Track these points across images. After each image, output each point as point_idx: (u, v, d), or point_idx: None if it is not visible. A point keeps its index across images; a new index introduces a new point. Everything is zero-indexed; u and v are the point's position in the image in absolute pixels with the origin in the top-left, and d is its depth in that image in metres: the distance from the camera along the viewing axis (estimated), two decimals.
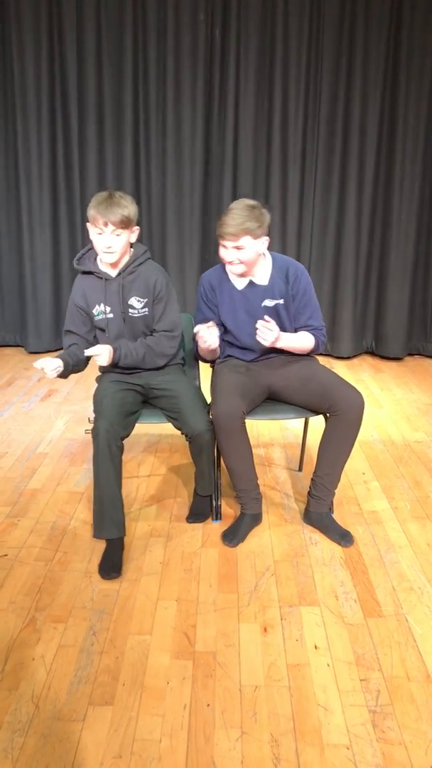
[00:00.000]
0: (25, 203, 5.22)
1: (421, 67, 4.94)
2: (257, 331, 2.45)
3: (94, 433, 2.36)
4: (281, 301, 2.63)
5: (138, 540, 2.58)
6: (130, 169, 5.23)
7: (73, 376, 4.84)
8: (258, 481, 2.64)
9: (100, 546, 2.52)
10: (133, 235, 2.51)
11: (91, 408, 3.95)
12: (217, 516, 2.75)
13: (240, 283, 2.64)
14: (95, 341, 2.67)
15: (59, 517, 2.75)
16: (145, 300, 2.58)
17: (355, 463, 3.33)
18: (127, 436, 2.46)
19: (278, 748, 1.63)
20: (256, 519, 2.67)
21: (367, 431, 3.79)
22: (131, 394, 2.59)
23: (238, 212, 2.45)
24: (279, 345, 2.54)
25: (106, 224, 2.40)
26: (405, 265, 5.31)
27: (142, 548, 2.52)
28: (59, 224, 5.39)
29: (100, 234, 2.43)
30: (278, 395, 2.70)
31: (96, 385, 2.71)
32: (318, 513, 2.66)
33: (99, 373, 2.79)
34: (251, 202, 2.51)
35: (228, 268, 2.59)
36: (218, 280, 2.67)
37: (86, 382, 4.71)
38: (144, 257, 2.60)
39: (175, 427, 2.58)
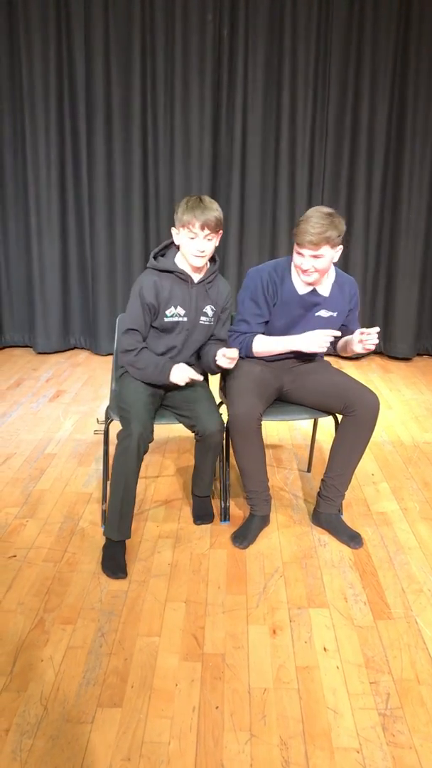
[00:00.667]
0: (33, 204, 5.23)
1: (430, 66, 4.91)
2: (363, 343, 2.45)
3: (125, 434, 2.30)
4: (334, 314, 2.63)
5: (147, 541, 2.58)
6: (139, 170, 5.23)
7: (80, 377, 4.85)
8: (269, 483, 2.63)
9: None
10: (218, 240, 2.49)
11: (100, 408, 3.95)
12: (226, 517, 2.74)
13: (302, 288, 2.59)
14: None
15: (68, 517, 2.75)
16: (216, 310, 2.58)
17: (364, 464, 3.32)
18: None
19: (287, 751, 1.62)
20: (265, 521, 2.66)
21: (376, 432, 3.78)
22: (157, 399, 2.58)
23: (318, 220, 2.38)
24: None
25: (202, 228, 2.36)
26: (414, 265, 5.29)
27: (150, 550, 2.52)
28: (67, 225, 5.40)
29: (193, 238, 2.39)
30: (289, 396, 2.69)
31: (114, 384, 2.69)
32: (327, 514, 2.65)
33: (120, 371, 2.70)
34: (328, 209, 2.43)
35: (301, 276, 2.52)
36: (281, 277, 2.60)
37: (94, 383, 4.72)
38: (218, 268, 2.61)
39: (185, 425, 2.57)
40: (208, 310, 2.56)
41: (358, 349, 2.49)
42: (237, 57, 4.98)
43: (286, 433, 3.75)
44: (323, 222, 2.37)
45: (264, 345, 2.60)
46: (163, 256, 2.57)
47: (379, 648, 1.99)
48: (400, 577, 2.35)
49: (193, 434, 2.59)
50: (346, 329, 2.74)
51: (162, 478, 3.14)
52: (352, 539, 2.56)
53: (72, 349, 5.71)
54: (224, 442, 2.73)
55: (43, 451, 3.45)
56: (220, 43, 5.00)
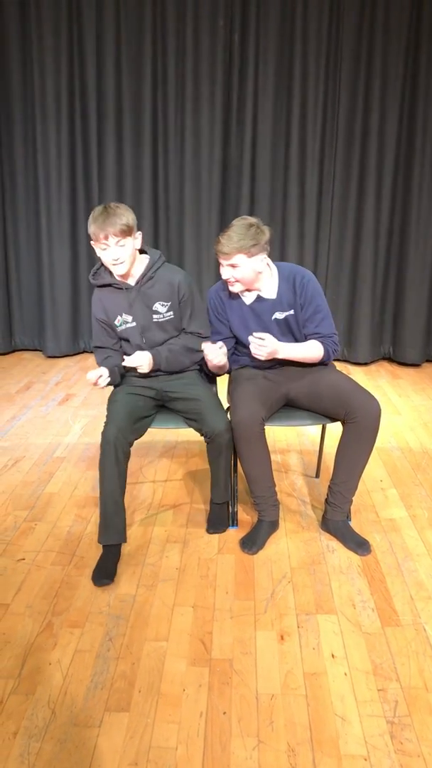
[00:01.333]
0: (43, 209, 5.25)
1: None
2: (250, 346, 2.43)
3: (103, 438, 2.39)
4: (291, 312, 2.60)
5: (154, 545, 2.58)
6: (149, 175, 5.25)
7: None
8: (276, 488, 2.63)
9: None
10: (137, 241, 2.50)
11: None
12: (234, 522, 2.74)
13: (248, 298, 2.62)
14: (124, 352, 2.68)
15: (76, 521, 2.76)
16: (170, 303, 2.58)
17: (373, 471, 3.31)
18: (136, 439, 2.49)
19: (295, 757, 1.62)
20: (274, 526, 2.66)
21: (384, 438, 3.77)
22: (143, 399, 2.60)
23: (234, 230, 2.45)
24: (280, 356, 2.50)
25: (107, 237, 2.37)
26: (423, 271, 5.28)
27: (158, 554, 2.52)
28: (78, 230, 5.42)
29: (105, 249, 2.42)
30: (295, 402, 2.69)
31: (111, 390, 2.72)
32: (335, 521, 2.64)
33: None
34: (251, 219, 2.49)
35: (229, 287, 2.58)
36: (227, 294, 2.66)
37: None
38: (160, 261, 2.61)
39: (194, 428, 2.57)
40: (158, 306, 2.57)
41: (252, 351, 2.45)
42: (248, 62, 5.00)
43: (294, 438, 3.75)
44: (239, 232, 2.43)
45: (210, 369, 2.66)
46: (99, 272, 2.62)
47: (387, 655, 1.98)
48: (409, 584, 2.34)
49: (202, 438, 2.59)
50: (310, 329, 2.61)
51: (170, 482, 3.15)
52: (360, 546, 2.55)
53: (81, 353, 5.73)
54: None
55: (52, 454, 3.46)
56: (231, 48, 5.01)
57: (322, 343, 2.60)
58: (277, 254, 5.40)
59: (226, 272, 2.51)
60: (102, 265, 2.60)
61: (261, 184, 5.25)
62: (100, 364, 2.64)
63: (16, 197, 5.42)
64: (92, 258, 5.50)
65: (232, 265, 2.48)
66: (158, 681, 1.87)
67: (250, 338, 2.41)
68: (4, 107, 5.21)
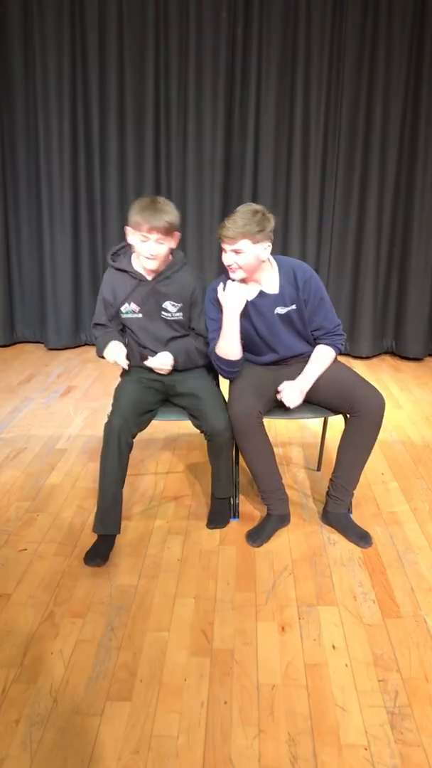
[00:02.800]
0: (45, 202, 5.24)
1: None
2: (284, 400, 2.49)
3: (107, 428, 2.39)
4: (293, 307, 2.56)
5: (156, 537, 2.59)
6: (151, 169, 5.23)
7: (91, 373, 4.86)
8: (282, 481, 2.63)
9: (118, 543, 2.53)
10: (174, 241, 2.50)
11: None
12: (235, 514, 2.75)
13: (250, 293, 2.57)
14: (123, 335, 2.69)
15: (78, 512, 2.77)
16: (180, 305, 2.58)
17: (374, 464, 3.31)
18: (139, 431, 2.49)
19: (295, 747, 1.63)
20: (283, 520, 2.66)
21: (386, 432, 3.77)
22: (151, 392, 2.61)
23: (240, 215, 2.39)
24: (307, 388, 2.54)
25: (150, 231, 2.37)
26: (426, 265, 5.27)
27: (160, 545, 2.53)
28: (79, 222, 5.41)
29: (144, 241, 2.41)
30: None
31: (119, 380, 2.72)
32: (336, 514, 2.65)
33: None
34: (256, 206, 2.44)
35: (230, 274, 2.51)
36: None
37: (105, 378, 4.73)
38: (181, 263, 2.60)
39: (195, 426, 2.58)
40: (168, 305, 2.57)
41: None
42: (251, 55, 4.98)
43: (296, 431, 3.75)
44: (244, 217, 2.38)
45: (219, 344, 2.53)
46: (120, 254, 2.62)
47: (388, 646, 1.99)
48: (409, 576, 2.35)
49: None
50: (319, 320, 2.60)
51: (172, 474, 3.15)
52: (361, 538, 2.56)
53: (83, 345, 5.73)
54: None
55: (53, 446, 3.47)
56: (234, 42, 4.99)
57: (330, 344, 2.61)
58: (280, 248, 5.39)
59: (228, 258, 2.45)
60: (124, 247, 2.60)
61: (263, 178, 5.23)
62: (99, 339, 2.65)
63: (18, 192, 5.41)
64: (93, 249, 5.50)
65: (236, 251, 2.42)
66: (160, 671, 1.88)
67: (280, 396, 2.49)
68: (7, 100, 5.20)
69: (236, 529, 2.66)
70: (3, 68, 5.13)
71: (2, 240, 5.45)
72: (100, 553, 2.38)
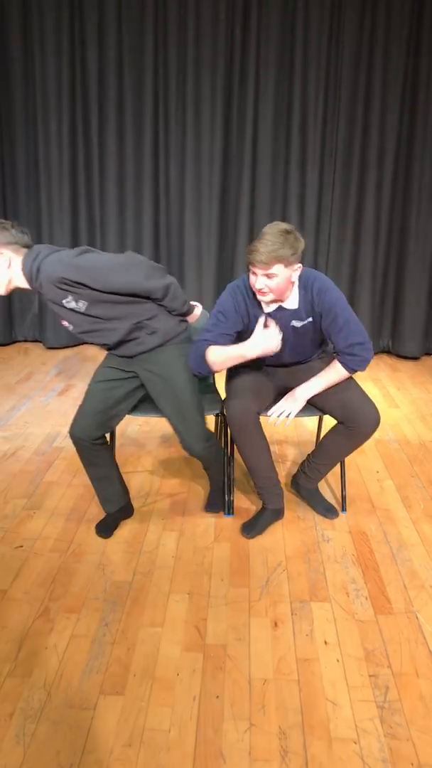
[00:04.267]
0: (44, 202, 5.26)
1: None
2: (275, 415, 2.48)
3: (69, 433, 2.49)
4: (309, 320, 2.46)
5: (151, 534, 2.61)
6: (149, 168, 5.25)
7: (89, 372, 4.88)
8: (278, 476, 2.67)
9: (114, 539, 2.55)
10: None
11: None
12: (230, 511, 2.76)
13: (267, 306, 2.46)
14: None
15: (74, 509, 2.78)
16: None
17: (370, 462, 3.33)
18: (110, 429, 2.50)
19: (286, 740, 1.65)
20: (278, 514, 2.70)
21: (382, 430, 3.79)
22: (121, 391, 2.49)
23: (271, 238, 2.25)
24: (303, 398, 2.48)
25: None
26: (423, 265, 5.29)
27: (155, 542, 2.55)
28: (78, 221, 5.42)
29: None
30: None
31: None
32: (307, 487, 2.81)
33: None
34: (286, 226, 2.30)
35: (258, 297, 2.39)
36: (251, 296, 2.47)
37: None
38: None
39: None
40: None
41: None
42: (249, 55, 4.99)
43: (291, 429, 3.77)
44: (276, 240, 2.25)
45: (219, 354, 2.37)
46: None
47: (380, 642, 2.01)
48: (402, 573, 2.37)
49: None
50: (332, 337, 2.47)
51: (167, 471, 3.17)
52: (328, 510, 2.73)
53: (81, 344, 5.75)
54: (225, 434, 2.75)
55: (51, 444, 3.49)
56: (233, 41, 5.01)
57: (341, 363, 2.46)
58: None
59: (260, 282, 2.30)
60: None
61: (261, 177, 5.25)
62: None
63: (17, 193, 5.42)
64: (92, 246, 5.51)
65: (268, 275, 2.29)
66: (153, 665, 1.90)
67: (271, 420, 2.45)
68: (5, 98, 5.21)
69: (231, 525, 2.68)
70: (2, 65, 5.15)
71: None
72: (107, 526, 2.61)
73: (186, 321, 2.54)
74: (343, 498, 2.82)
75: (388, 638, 2.03)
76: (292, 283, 2.39)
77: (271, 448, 3.48)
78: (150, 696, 1.78)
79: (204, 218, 5.34)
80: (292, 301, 2.46)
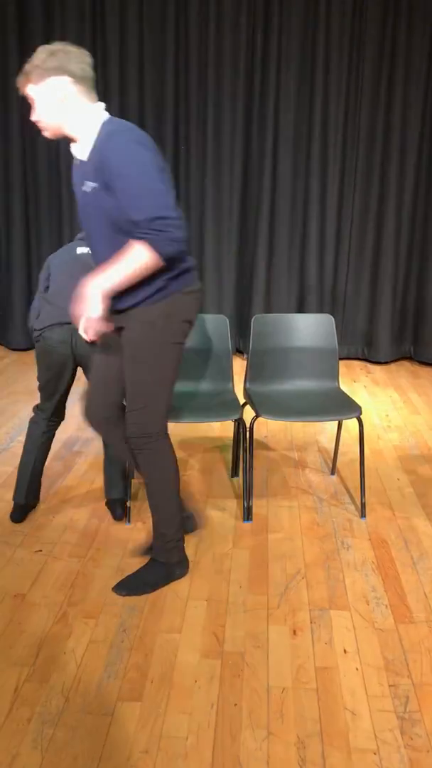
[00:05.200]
0: (66, 211, 5.30)
1: None
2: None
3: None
4: (96, 185, 1.90)
5: None
6: (171, 169, 5.27)
7: None
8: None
9: (132, 545, 2.55)
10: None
11: None
12: (249, 517, 2.75)
13: (76, 152, 2.01)
14: None
15: (93, 514, 2.79)
16: None
17: (390, 469, 3.30)
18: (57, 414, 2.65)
19: (304, 750, 1.63)
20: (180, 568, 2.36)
21: (403, 437, 3.75)
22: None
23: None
24: (104, 292, 1.90)
25: None
26: None
27: None
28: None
29: None
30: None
31: None
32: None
33: None
34: (57, 46, 1.88)
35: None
36: None
37: None
38: None
39: None
40: None
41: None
42: (270, 60, 5.00)
43: (311, 436, 3.75)
44: (29, 60, 1.87)
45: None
46: None
47: (400, 651, 1.98)
48: (423, 582, 2.34)
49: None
50: (125, 211, 1.86)
51: (186, 478, 3.17)
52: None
53: None
54: (242, 437, 2.75)
55: (70, 448, 3.50)
56: (254, 46, 5.02)
57: (142, 239, 1.85)
58: (298, 252, 5.39)
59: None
60: None
61: (282, 180, 5.25)
62: None
63: (39, 200, 5.47)
64: None
65: (31, 100, 1.93)
66: (170, 672, 1.89)
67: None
68: (29, 109, 5.27)
69: (250, 532, 2.67)
70: None
71: (23, 234, 5.50)
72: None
73: None
74: (363, 505, 2.80)
75: (408, 647, 2.00)
76: (74, 115, 1.90)
77: (291, 455, 3.46)
78: (168, 703, 1.78)
79: (224, 220, 5.35)
80: (83, 149, 1.94)
